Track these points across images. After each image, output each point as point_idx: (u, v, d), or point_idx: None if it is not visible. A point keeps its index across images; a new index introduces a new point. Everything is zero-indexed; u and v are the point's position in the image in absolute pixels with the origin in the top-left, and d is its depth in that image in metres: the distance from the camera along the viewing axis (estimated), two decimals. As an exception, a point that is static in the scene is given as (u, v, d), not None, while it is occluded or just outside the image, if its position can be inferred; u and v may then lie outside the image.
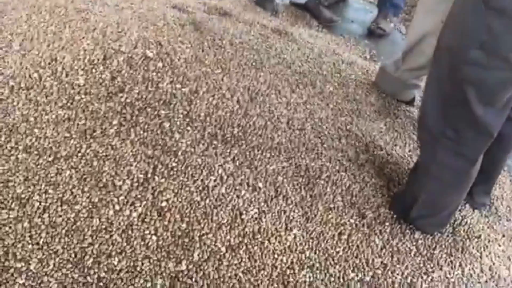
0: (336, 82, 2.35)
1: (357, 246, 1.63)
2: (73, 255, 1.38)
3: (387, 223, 1.75)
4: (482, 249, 1.78)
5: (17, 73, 1.78)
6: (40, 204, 1.46)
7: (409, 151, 2.12)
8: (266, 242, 1.54)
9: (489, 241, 1.82)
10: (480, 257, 1.75)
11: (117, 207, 1.49)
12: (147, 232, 1.47)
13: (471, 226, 1.84)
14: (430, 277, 1.62)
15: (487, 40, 1.34)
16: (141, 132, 1.69)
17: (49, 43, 1.92)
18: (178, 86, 1.84)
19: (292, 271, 1.50)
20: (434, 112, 1.55)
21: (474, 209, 1.93)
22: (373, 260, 1.61)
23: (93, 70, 1.81)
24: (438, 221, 1.76)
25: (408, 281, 1.59)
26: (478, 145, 1.54)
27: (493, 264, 1.75)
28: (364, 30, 3.04)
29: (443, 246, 1.74)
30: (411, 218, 1.75)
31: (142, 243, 1.44)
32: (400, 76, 2.37)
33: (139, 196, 1.53)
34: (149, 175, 1.59)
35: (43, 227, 1.42)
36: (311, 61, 2.42)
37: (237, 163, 1.73)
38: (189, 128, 1.75)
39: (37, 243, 1.38)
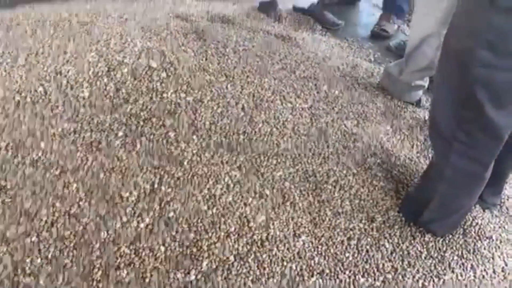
0: (341, 86, 2.34)
1: (367, 251, 1.62)
2: (81, 269, 1.38)
3: (396, 226, 1.73)
4: (494, 249, 1.76)
5: (23, 87, 1.80)
6: (47, 218, 1.46)
7: (417, 152, 2.10)
8: (275, 249, 1.53)
9: (500, 241, 1.80)
10: (492, 258, 1.72)
11: (124, 219, 1.49)
12: (155, 243, 1.47)
13: (482, 226, 1.82)
14: (441, 280, 1.60)
15: (495, 40, 1.31)
16: (147, 142, 1.69)
17: (54, 57, 1.94)
18: (183, 95, 1.85)
19: (301, 278, 1.48)
20: (445, 115, 1.53)
21: (484, 209, 1.90)
22: (383, 264, 1.59)
23: (98, 82, 1.82)
24: (450, 224, 1.74)
25: (420, 284, 1.57)
26: (491, 149, 1.51)
27: (506, 265, 1.72)
28: (368, 32, 3.03)
29: (454, 248, 1.72)
30: (422, 221, 1.73)
31: (151, 254, 1.44)
32: (404, 78, 2.35)
33: (146, 207, 1.53)
34: (155, 186, 1.59)
35: (51, 241, 1.42)
36: (315, 66, 2.42)
37: (244, 171, 1.72)
38: (194, 137, 1.75)
39: (46, 257, 1.39)
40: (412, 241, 1.70)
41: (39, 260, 1.38)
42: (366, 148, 2.00)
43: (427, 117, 2.27)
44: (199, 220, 1.54)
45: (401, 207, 1.79)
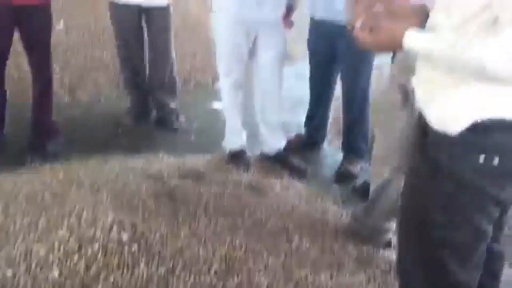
0: (312, 235, 2.38)
1: None
2: None
3: None
4: None
5: (-9, 273, 1.78)
6: None
7: (394, 303, 2.09)
8: None
9: None
10: None
11: None
12: None
13: None
14: None
15: (446, 203, 1.39)
16: (117, 325, 1.65)
17: (24, 235, 1.95)
18: (154, 267, 1.85)
19: None
20: (414, 275, 1.55)
21: None
22: None
23: (68, 260, 1.82)
24: None
25: None
26: None
27: None
28: (333, 174, 3.15)
29: None
30: None
31: None
32: (372, 222, 2.43)
33: None
34: None
35: None
36: (285, 216, 2.48)
37: None
38: (166, 313, 1.73)
39: None
40: None
41: None
42: (342, 303, 1.99)
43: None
44: None
45: None
